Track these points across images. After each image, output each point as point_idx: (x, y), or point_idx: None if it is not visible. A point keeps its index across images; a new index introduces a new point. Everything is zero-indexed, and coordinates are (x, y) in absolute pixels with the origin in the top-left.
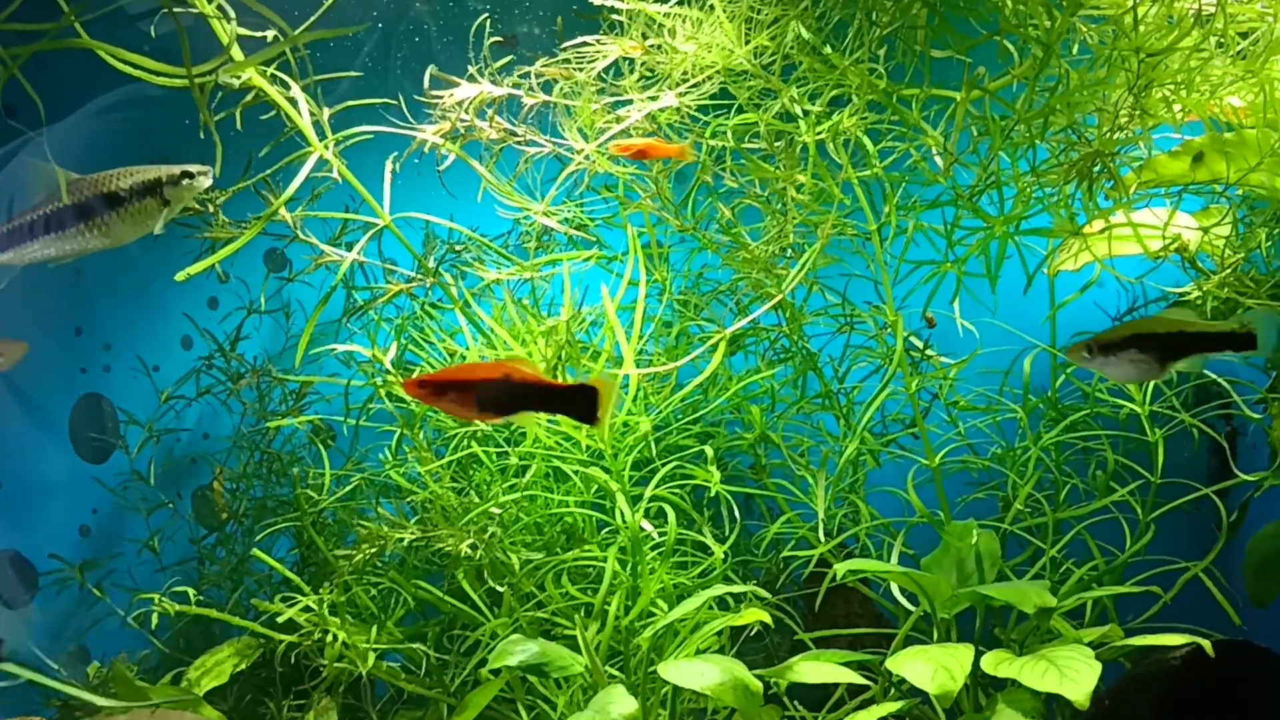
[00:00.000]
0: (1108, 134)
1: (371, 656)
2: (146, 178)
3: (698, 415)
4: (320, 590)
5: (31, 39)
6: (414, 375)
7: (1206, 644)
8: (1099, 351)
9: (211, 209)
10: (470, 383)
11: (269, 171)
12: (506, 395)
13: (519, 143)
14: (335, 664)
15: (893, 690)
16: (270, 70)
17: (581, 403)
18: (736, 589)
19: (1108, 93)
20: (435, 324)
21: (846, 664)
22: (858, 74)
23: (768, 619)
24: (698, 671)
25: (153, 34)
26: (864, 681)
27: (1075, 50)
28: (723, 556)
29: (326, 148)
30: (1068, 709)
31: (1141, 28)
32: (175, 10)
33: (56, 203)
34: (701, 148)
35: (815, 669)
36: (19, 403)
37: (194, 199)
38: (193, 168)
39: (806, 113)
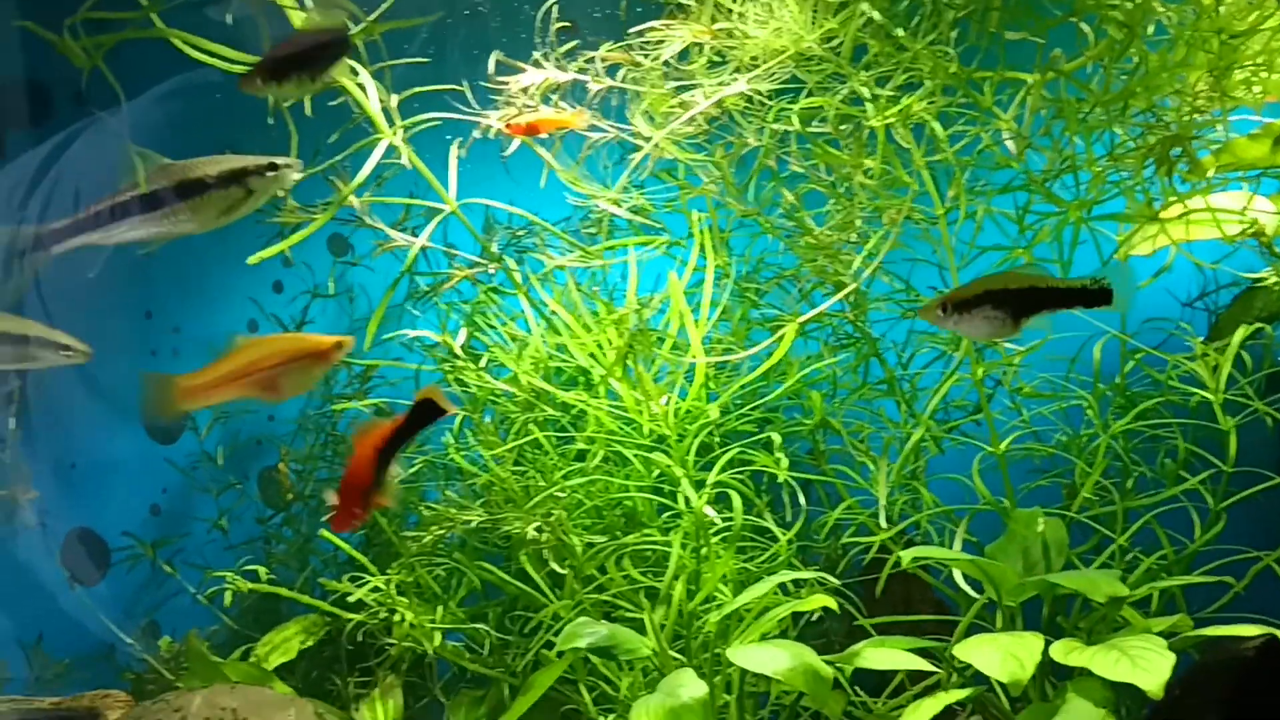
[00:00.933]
0: (1186, 117)
1: (438, 636)
2: (233, 167)
3: (760, 401)
4: (387, 570)
5: (104, 25)
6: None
7: None
8: (953, 309)
9: (280, 193)
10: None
11: (339, 158)
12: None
13: (582, 128)
14: (402, 643)
15: (955, 677)
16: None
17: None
18: (803, 576)
19: (1186, 74)
20: (497, 308)
21: (912, 650)
22: (929, 57)
23: (833, 605)
24: (767, 657)
25: (228, 20)
26: (927, 668)
27: (1151, 31)
28: (786, 543)
29: (395, 134)
30: (1136, 700)
31: (1222, 8)
32: None
33: (145, 187)
34: (765, 131)
35: (882, 655)
36: (92, 385)
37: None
38: (279, 160)
39: (876, 97)
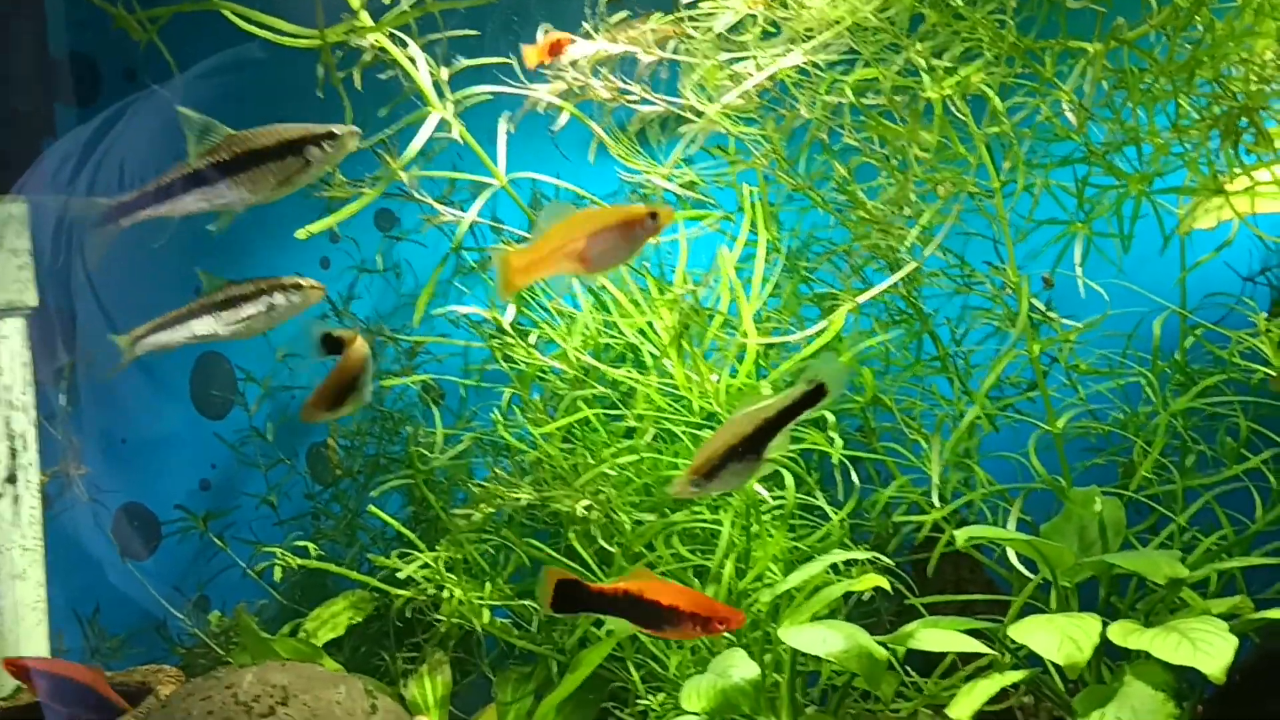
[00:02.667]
0: (1254, 87)
1: (486, 613)
2: (291, 136)
3: None
4: (436, 547)
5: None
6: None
7: None
8: (702, 479)
9: (328, 168)
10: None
11: (388, 132)
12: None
13: (632, 102)
14: (450, 619)
15: (1008, 657)
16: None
17: None
18: (856, 555)
19: (1253, 42)
20: (545, 284)
21: (965, 630)
22: (987, 26)
23: (885, 585)
24: (820, 637)
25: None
26: (981, 649)
27: None
28: (839, 522)
29: (445, 108)
30: (1195, 684)
31: None
32: None
33: (206, 158)
34: (817, 104)
35: (936, 637)
36: (142, 362)
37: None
38: (338, 128)
39: (932, 69)
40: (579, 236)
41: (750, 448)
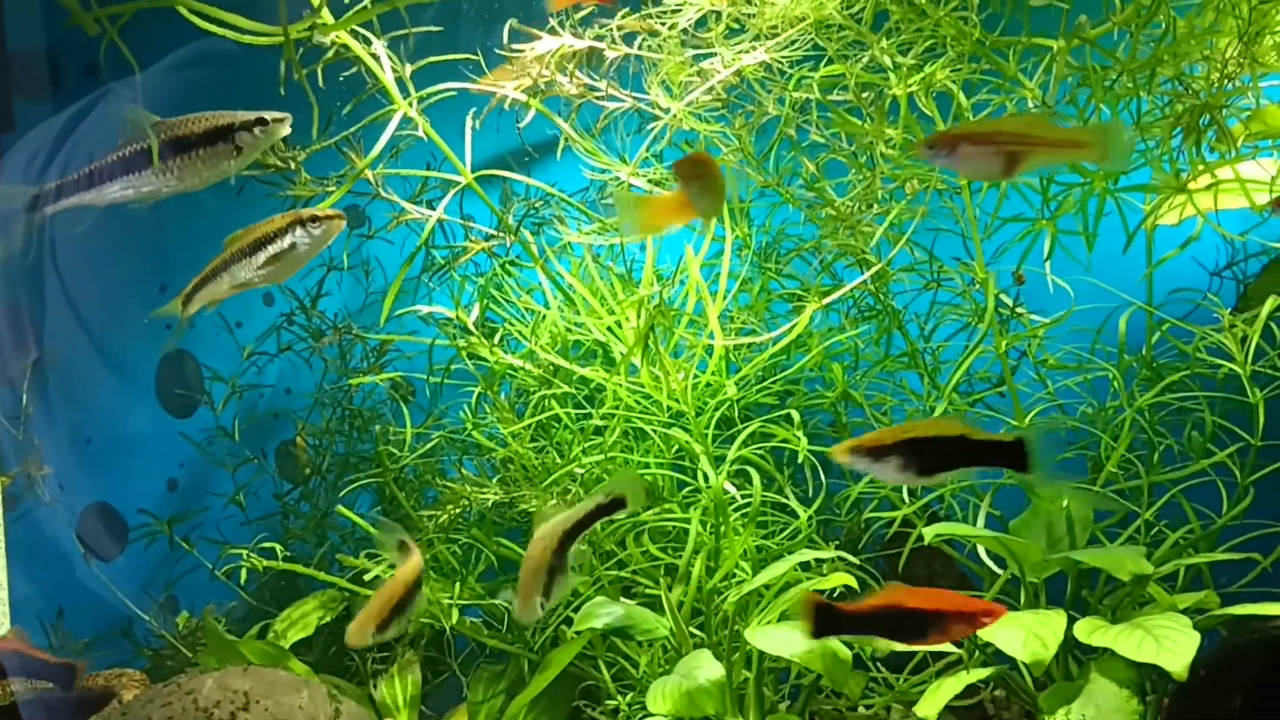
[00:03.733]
0: (1215, 85)
1: (455, 612)
2: (219, 123)
3: (781, 375)
4: None
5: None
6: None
7: None
8: (542, 600)
9: (294, 166)
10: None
11: (353, 130)
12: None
13: (599, 98)
14: (419, 619)
15: (978, 654)
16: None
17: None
18: (822, 554)
19: (1215, 40)
20: (514, 280)
21: None
22: (952, 24)
23: (853, 583)
24: (785, 638)
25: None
26: (948, 647)
27: None
28: (807, 520)
29: (410, 105)
30: (1160, 678)
31: None
32: None
33: (131, 146)
34: (785, 101)
35: None
36: (107, 360)
37: (275, 154)
38: (268, 115)
39: (898, 65)
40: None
41: (559, 561)
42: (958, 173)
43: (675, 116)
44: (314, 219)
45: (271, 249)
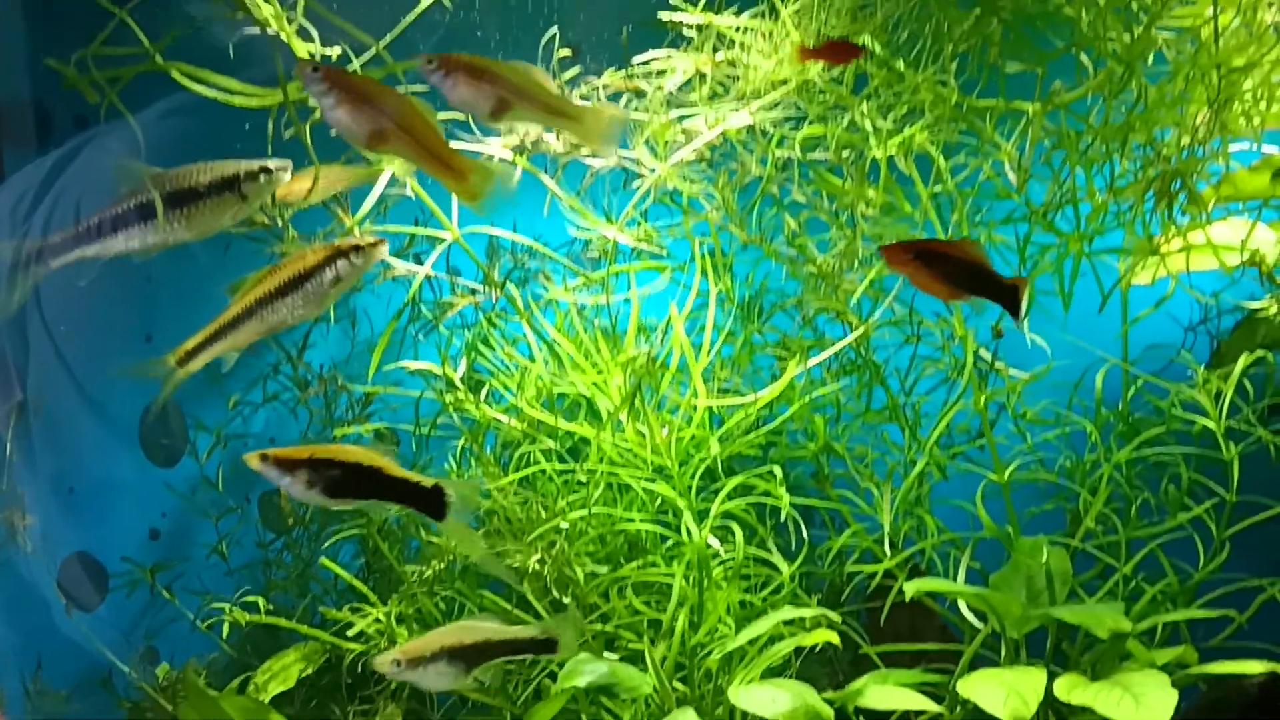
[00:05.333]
0: (1186, 151)
1: None
2: (225, 173)
3: (764, 428)
4: (388, 601)
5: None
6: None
7: None
8: (409, 664)
9: (280, 222)
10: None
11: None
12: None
13: (585, 156)
14: None
15: (959, 709)
16: None
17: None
18: (806, 613)
19: (1185, 107)
20: (500, 333)
21: (915, 685)
22: (930, 88)
23: (836, 640)
24: (768, 698)
25: (230, 54)
26: (929, 707)
27: (1151, 61)
28: (790, 574)
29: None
30: None
31: (1221, 42)
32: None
33: (136, 197)
34: (768, 160)
35: (884, 694)
36: (92, 408)
37: (263, 210)
38: (271, 163)
39: (877, 129)
40: None
41: (465, 656)
42: (448, 98)
43: (659, 175)
44: (356, 249)
45: (311, 285)
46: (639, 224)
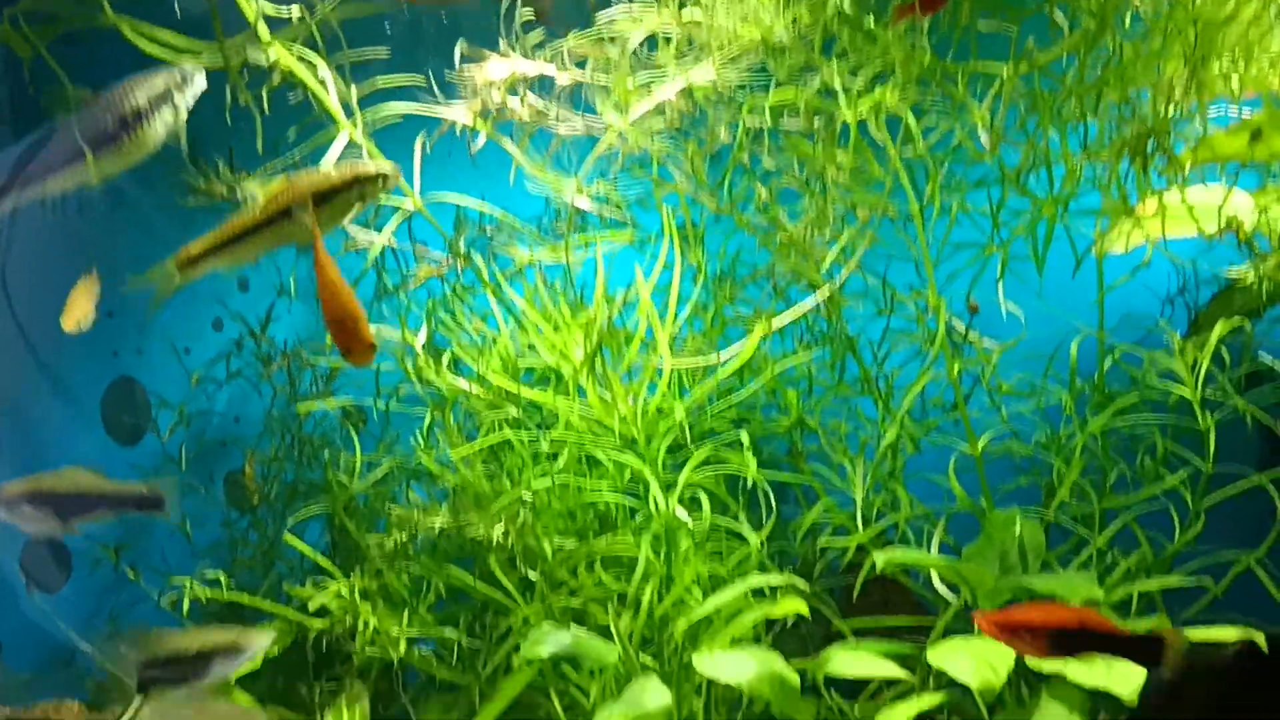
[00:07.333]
0: (1162, 110)
1: (404, 643)
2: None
3: (735, 400)
4: (351, 576)
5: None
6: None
7: (1260, 638)
8: None
9: (241, 194)
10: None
11: (299, 154)
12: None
13: (552, 122)
14: (367, 650)
15: (931, 681)
16: (297, 49)
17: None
18: (773, 580)
19: (1162, 66)
20: (467, 306)
21: (885, 654)
22: (901, 48)
23: (805, 610)
24: (734, 664)
25: (177, 13)
26: (897, 674)
27: (1128, 21)
28: (759, 545)
29: (355, 127)
30: (1112, 705)
31: None
32: None
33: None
34: (738, 126)
35: (852, 661)
36: (53, 386)
37: (223, 182)
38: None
39: (847, 89)
40: None
41: (62, 503)
42: None
43: (624, 135)
44: (380, 175)
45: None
46: (596, 182)
